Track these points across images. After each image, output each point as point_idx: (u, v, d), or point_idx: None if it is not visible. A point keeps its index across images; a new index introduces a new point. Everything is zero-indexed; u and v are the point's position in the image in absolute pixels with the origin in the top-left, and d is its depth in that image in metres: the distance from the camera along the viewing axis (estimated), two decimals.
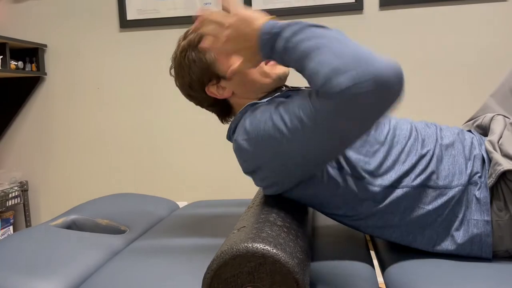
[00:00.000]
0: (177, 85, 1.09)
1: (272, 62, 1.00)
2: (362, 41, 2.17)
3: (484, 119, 1.07)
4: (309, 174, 0.89)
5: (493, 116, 1.05)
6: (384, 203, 0.90)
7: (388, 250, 1.01)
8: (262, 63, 0.97)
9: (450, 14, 2.11)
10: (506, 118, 1.03)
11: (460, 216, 0.89)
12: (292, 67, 0.82)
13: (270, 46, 0.81)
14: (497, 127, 0.99)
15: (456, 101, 2.12)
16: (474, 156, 0.92)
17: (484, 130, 1.07)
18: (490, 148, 0.93)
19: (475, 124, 1.10)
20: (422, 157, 0.91)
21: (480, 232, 0.88)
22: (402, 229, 0.92)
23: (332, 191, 0.92)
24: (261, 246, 0.69)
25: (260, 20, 0.82)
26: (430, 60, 2.14)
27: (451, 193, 0.89)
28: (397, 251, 0.97)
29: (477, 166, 0.91)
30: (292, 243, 0.75)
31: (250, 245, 0.69)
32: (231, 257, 0.70)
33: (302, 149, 0.81)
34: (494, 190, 0.89)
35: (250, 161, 0.90)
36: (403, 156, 0.91)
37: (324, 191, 0.92)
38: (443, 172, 0.90)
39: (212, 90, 1.04)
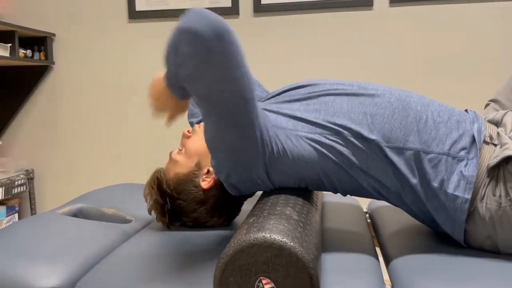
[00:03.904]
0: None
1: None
2: (371, 37, 2.16)
3: (497, 114, 1.07)
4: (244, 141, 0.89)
5: (506, 112, 1.05)
6: (368, 161, 0.91)
7: (393, 247, 1.01)
8: None
9: (459, 12, 2.10)
10: None
11: (436, 184, 0.89)
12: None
13: (171, 83, 0.93)
14: (508, 119, 1.00)
15: (465, 98, 2.12)
16: (463, 132, 0.92)
17: (496, 125, 1.07)
18: (502, 133, 0.94)
19: (487, 119, 1.10)
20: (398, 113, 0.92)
21: (456, 207, 0.88)
22: (386, 186, 0.93)
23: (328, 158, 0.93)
24: (279, 237, 0.69)
25: (158, 75, 1.00)
26: (439, 57, 2.13)
27: (427, 157, 0.89)
28: (403, 247, 0.98)
29: (465, 141, 0.91)
30: (307, 238, 0.75)
31: (268, 235, 0.69)
32: (248, 245, 0.69)
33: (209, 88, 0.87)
34: (495, 173, 0.89)
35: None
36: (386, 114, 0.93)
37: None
38: (423, 135, 0.90)
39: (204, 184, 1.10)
